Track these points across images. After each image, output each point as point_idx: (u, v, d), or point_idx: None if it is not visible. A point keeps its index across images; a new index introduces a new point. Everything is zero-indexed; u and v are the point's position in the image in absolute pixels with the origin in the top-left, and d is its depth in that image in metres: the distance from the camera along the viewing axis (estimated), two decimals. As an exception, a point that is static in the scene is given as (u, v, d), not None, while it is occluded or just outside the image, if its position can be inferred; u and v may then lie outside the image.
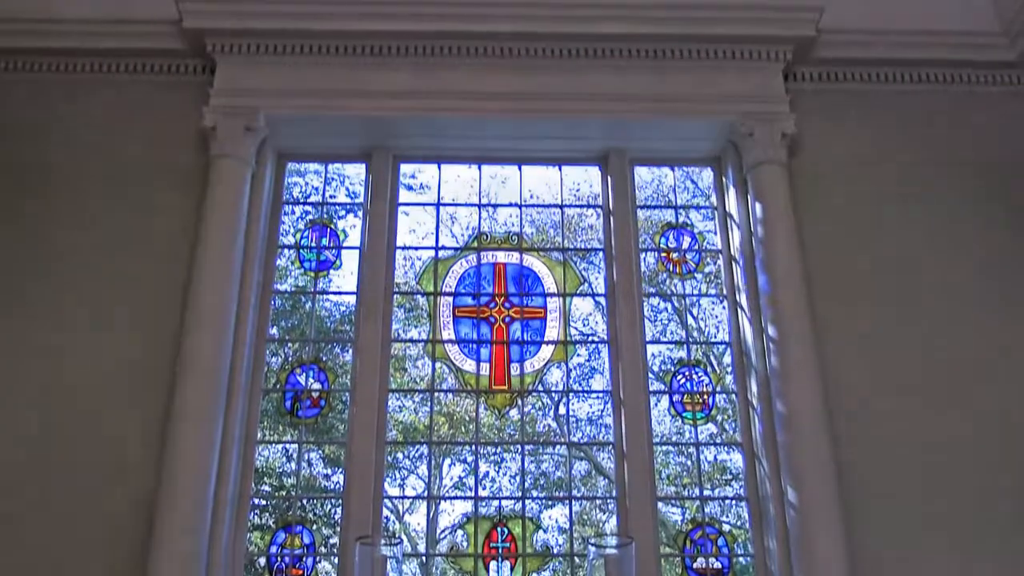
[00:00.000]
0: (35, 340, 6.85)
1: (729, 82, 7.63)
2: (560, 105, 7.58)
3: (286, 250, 7.73)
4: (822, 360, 6.77)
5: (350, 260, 7.61)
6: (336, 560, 6.80)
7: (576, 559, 7.15)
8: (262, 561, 6.86)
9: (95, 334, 6.86)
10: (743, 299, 7.28)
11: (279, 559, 6.69)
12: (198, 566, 6.08)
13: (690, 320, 8.19)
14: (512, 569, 6.75)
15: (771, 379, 6.81)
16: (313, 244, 7.66)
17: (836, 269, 7.22)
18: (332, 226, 7.76)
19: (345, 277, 7.71)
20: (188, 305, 6.77)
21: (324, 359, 7.33)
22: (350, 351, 7.28)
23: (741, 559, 6.96)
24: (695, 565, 6.75)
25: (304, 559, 6.70)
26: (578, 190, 8.75)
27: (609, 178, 7.77)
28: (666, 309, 9.14)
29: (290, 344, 7.81)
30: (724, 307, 7.58)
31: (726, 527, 7.01)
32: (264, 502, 8.09)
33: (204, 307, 6.72)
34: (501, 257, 7.69)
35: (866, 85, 7.87)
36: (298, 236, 7.73)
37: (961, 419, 6.81)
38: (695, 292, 7.97)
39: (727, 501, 7.78)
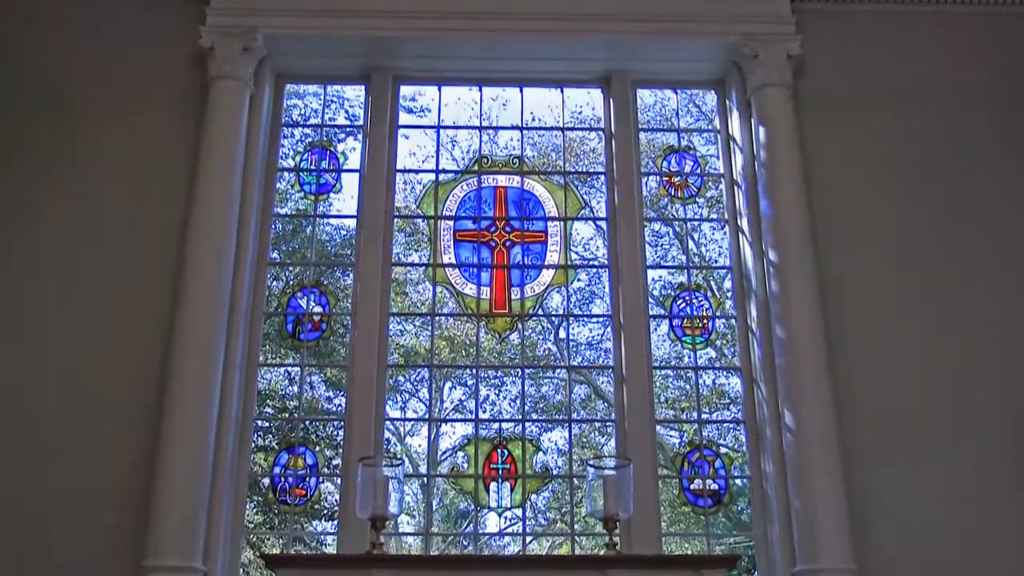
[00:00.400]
0: (35, 266, 6.87)
1: (734, 2, 7.50)
2: (562, 25, 7.46)
3: (286, 173, 7.69)
4: (822, 285, 6.79)
5: (350, 183, 7.59)
6: (339, 481, 6.91)
7: (575, 480, 7.26)
8: (266, 482, 6.97)
9: (94, 260, 6.88)
10: (744, 224, 7.27)
11: (282, 479, 6.80)
12: (202, 488, 6.19)
13: (691, 245, 8.19)
14: (512, 490, 6.87)
15: (771, 304, 6.83)
16: (313, 167, 7.62)
17: (839, 194, 7.19)
18: (332, 149, 7.71)
19: (345, 201, 7.69)
20: (188, 229, 6.76)
21: (325, 283, 7.35)
22: (351, 275, 7.30)
23: (738, 481, 7.07)
24: (692, 487, 6.87)
25: (307, 480, 6.82)
26: (580, 113, 8.67)
27: (611, 100, 7.69)
28: (667, 234, 9.14)
29: (291, 268, 7.83)
30: (725, 232, 7.57)
31: (723, 450, 7.11)
32: (267, 424, 8.19)
33: (204, 231, 6.71)
34: (502, 181, 7.65)
35: (875, 5, 7.72)
36: (298, 159, 7.69)
37: (961, 342, 6.86)
38: (696, 216, 7.96)
39: (725, 424, 7.88)
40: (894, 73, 7.54)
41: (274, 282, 7.49)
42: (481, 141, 7.92)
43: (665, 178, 7.69)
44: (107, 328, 6.69)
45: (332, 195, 7.64)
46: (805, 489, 6.26)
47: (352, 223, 7.53)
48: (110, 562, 6.01)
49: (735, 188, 7.45)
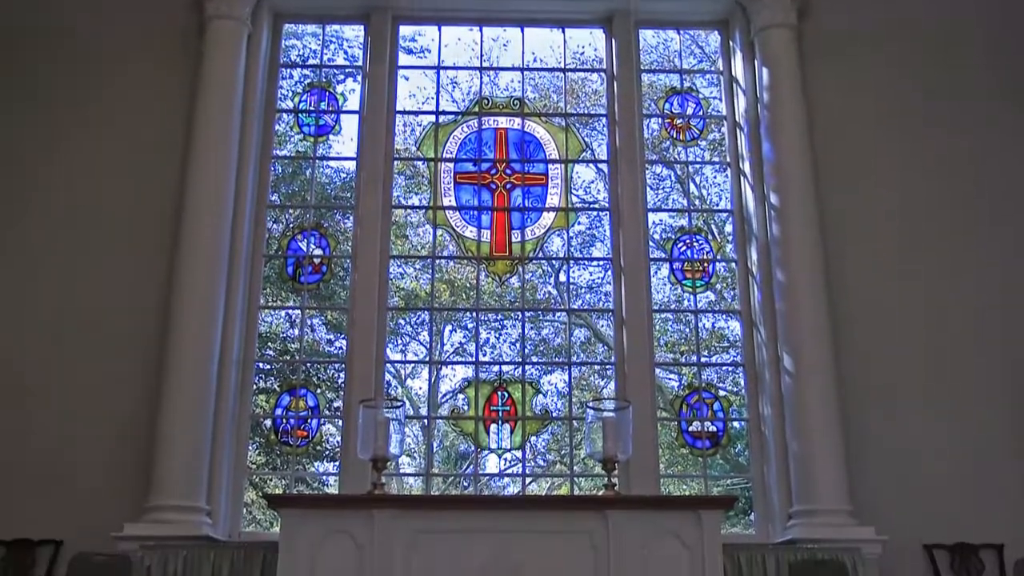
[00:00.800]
0: (36, 211, 6.86)
1: (739, -59, 7.38)
2: (564, -36, 7.36)
3: (284, 115, 7.63)
4: (824, 228, 6.78)
5: (349, 125, 7.54)
6: (340, 423, 6.97)
7: (575, 423, 7.32)
8: (268, 423, 7.03)
9: (94, 203, 6.86)
10: (746, 167, 7.23)
11: (284, 421, 6.86)
12: (205, 429, 6.24)
13: (692, 188, 8.15)
14: (512, 432, 6.92)
15: (771, 247, 6.83)
16: (312, 108, 7.56)
17: (841, 137, 7.15)
18: (331, 90, 7.64)
19: (345, 143, 7.64)
20: (186, 171, 6.73)
21: (325, 225, 7.34)
22: (351, 218, 7.28)
23: (736, 424, 7.13)
24: (690, 429, 6.92)
25: (309, 421, 6.87)
26: (582, 53, 8.58)
27: (613, 41, 7.59)
28: (668, 176, 9.08)
29: (291, 210, 7.80)
30: (727, 175, 7.54)
31: (722, 393, 7.16)
32: (268, 366, 8.23)
33: (203, 173, 6.68)
34: (503, 122, 7.59)
35: (881, -56, 7.61)
36: (296, 100, 7.62)
37: (962, 284, 6.86)
38: (698, 159, 7.92)
39: (724, 368, 7.91)
40: (898, 15, 7.44)
41: (274, 224, 7.48)
42: (482, 82, 7.85)
43: (667, 120, 7.63)
44: (107, 271, 6.70)
45: (331, 137, 7.59)
46: (803, 431, 6.32)
47: (352, 165, 7.50)
48: (116, 501, 6.09)
49: (737, 130, 7.40)
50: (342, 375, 7.17)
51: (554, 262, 8.15)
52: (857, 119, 7.22)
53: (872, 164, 7.12)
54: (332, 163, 8.31)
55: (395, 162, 7.47)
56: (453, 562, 4.98)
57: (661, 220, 7.72)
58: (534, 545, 4.99)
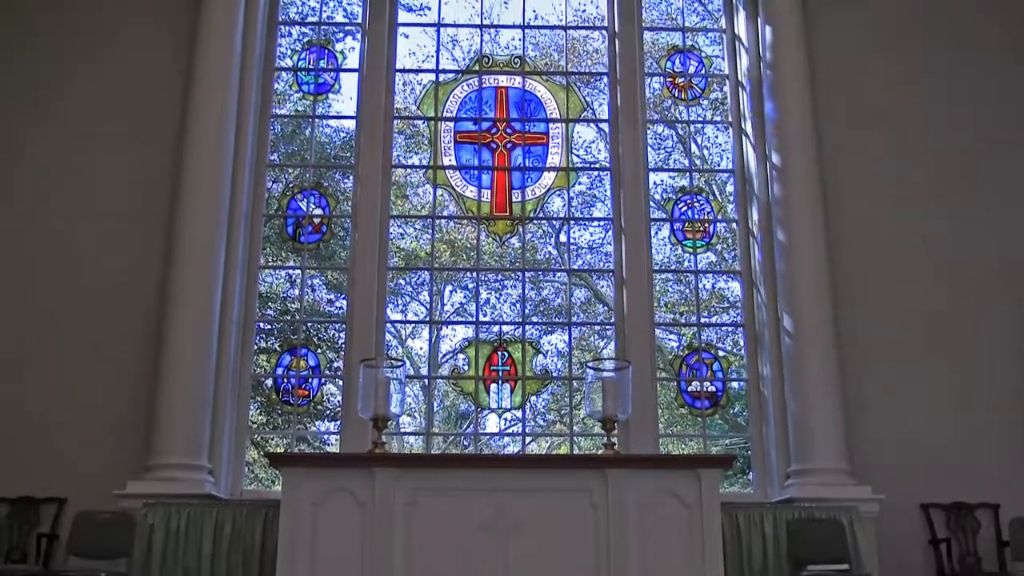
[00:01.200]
0: (38, 167, 6.84)
1: None
2: (565, -80, 7.26)
3: (284, 73, 7.58)
4: (825, 188, 6.76)
5: (349, 84, 7.49)
6: (341, 382, 7.00)
7: (574, 383, 7.35)
8: (268, 383, 7.05)
9: (93, 164, 6.84)
10: (748, 126, 7.20)
11: (285, 380, 6.88)
12: (206, 388, 6.27)
13: (693, 148, 8.11)
14: (512, 391, 6.96)
15: (773, 207, 6.81)
16: (311, 66, 7.51)
17: (845, 96, 7.11)
18: (330, 48, 7.58)
19: (344, 102, 7.60)
20: (185, 130, 6.69)
21: (325, 185, 7.31)
22: (351, 177, 7.26)
23: (735, 384, 7.15)
24: (690, 389, 6.95)
25: (310, 380, 6.90)
26: (583, 11, 8.50)
27: (615, -1, 7.53)
28: (670, 136, 9.03)
29: (290, 170, 7.77)
30: (729, 135, 7.50)
31: (722, 353, 7.18)
32: (269, 326, 8.24)
33: (201, 132, 6.64)
34: (503, 81, 7.54)
35: (887, -100, 7.51)
36: (295, 58, 7.56)
37: (961, 246, 6.87)
38: (700, 119, 7.88)
39: (724, 328, 7.92)
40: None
41: (274, 184, 7.45)
42: (482, 40, 7.78)
43: (669, 79, 7.58)
44: (107, 233, 6.69)
45: (331, 96, 7.54)
46: (802, 391, 6.35)
47: (351, 124, 7.46)
48: (118, 460, 6.13)
49: (739, 89, 7.36)
50: (342, 335, 7.19)
51: (554, 222, 8.14)
52: (860, 77, 7.18)
53: (875, 123, 7.09)
54: (332, 122, 8.27)
55: (395, 121, 7.44)
56: (453, 520, 5.02)
57: (662, 180, 7.70)
58: (534, 503, 5.04)
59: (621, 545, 4.96)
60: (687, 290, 8.00)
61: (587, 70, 8.64)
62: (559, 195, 7.55)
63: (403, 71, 7.68)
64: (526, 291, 7.61)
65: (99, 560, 5.64)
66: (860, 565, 5.76)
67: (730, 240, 7.51)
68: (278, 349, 7.15)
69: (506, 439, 7.82)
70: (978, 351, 6.65)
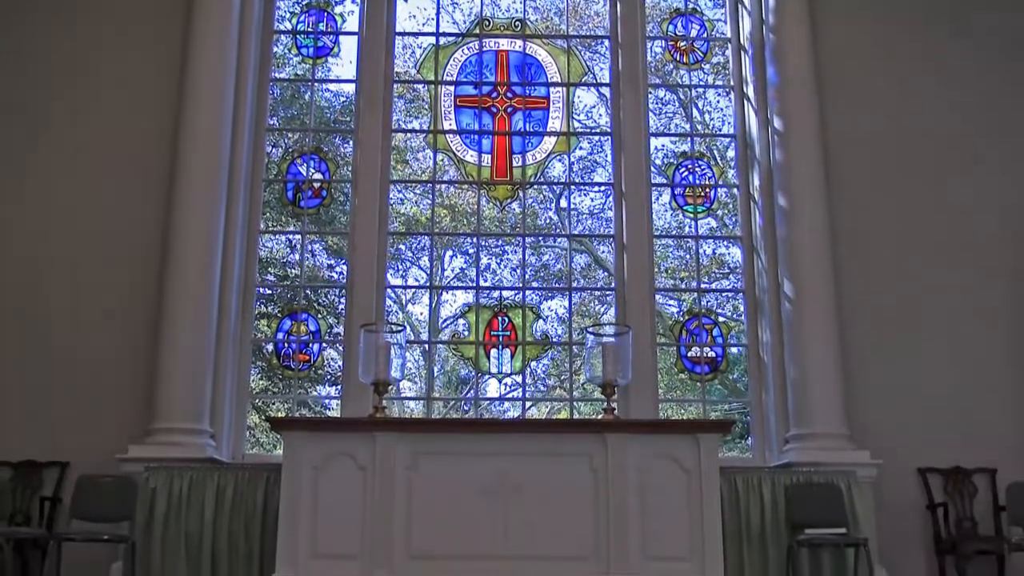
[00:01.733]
0: (39, 137, 6.82)
1: None
2: None
3: (282, 36, 7.52)
4: (827, 154, 6.73)
5: (348, 47, 7.43)
6: (341, 347, 7.02)
7: (574, 348, 7.37)
8: (269, 347, 7.07)
9: (92, 129, 6.81)
10: (750, 90, 7.15)
11: (286, 345, 6.90)
12: (206, 352, 6.28)
13: (695, 112, 8.07)
14: (512, 356, 6.97)
15: (774, 173, 6.79)
16: (310, 29, 7.45)
17: (848, 59, 7.06)
18: (329, 10, 7.52)
19: (343, 66, 7.55)
20: (184, 94, 6.66)
21: (325, 149, 7.29)
22: (350, 142, 7.23)
23: (734, 349, 7.17)
24: (690, 354, 6.97)
25: (310, 345, 6.92)
26: (584, -26, 8.43)
27: (617, -39, 7.46)
28: (671, 101, 8.98)
29: (290, 134, 7.74)
30: (730, 100, 7.46)
31: (722, 318, 7.19)
32: (269, 291, 8.24)
33: (200, 95, 6.60)
34: (504, 44, 7.49)
35: None
36: (294, 21, 7.51)
37: (962, 209, 6.85)
38: (701, 83, 7.83)
39: (724, 294, 7.93)
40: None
41: (273, 148, 7.42)
42: (482, 3, 7.71)
43: (670, 42, 7.52)
44: (107, 198, 6.68)
45: (330, 59, 7.49)
46: (801, 357, 6.36)
47: (351, 88, 7.42)
48: (120, 424, 6.16)
49: (742, 53, 7.30)
50: (343, 300, 7.19)
51: (555, 187, 8.12)
52: (864, 42, 7.12)
53: (878, 88, 7.05)
54: (331, 86, 8.23)
55: (395, 85, 7.39)
56: (454, 483, 5.05)
57: (663, 145, 7.67)
58: (534, 467, 5.06)
59: (620, 509, 4.99)
60: (687, 255, 8.01)
61: (588, 33, 8.57)
62: (560, 160, 7.53)
63: (403, 34, 7.62)
64: (526, 256, 7.60)
65: (102, 523, 5.69)
66: (857, 529, 5.81)
67: (731, 205, 7.49)
68: (278, 314, 7.16)
69: (506, 404, 7.85)
70: (978, 317, 6.66)
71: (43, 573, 5.51)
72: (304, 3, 7.55)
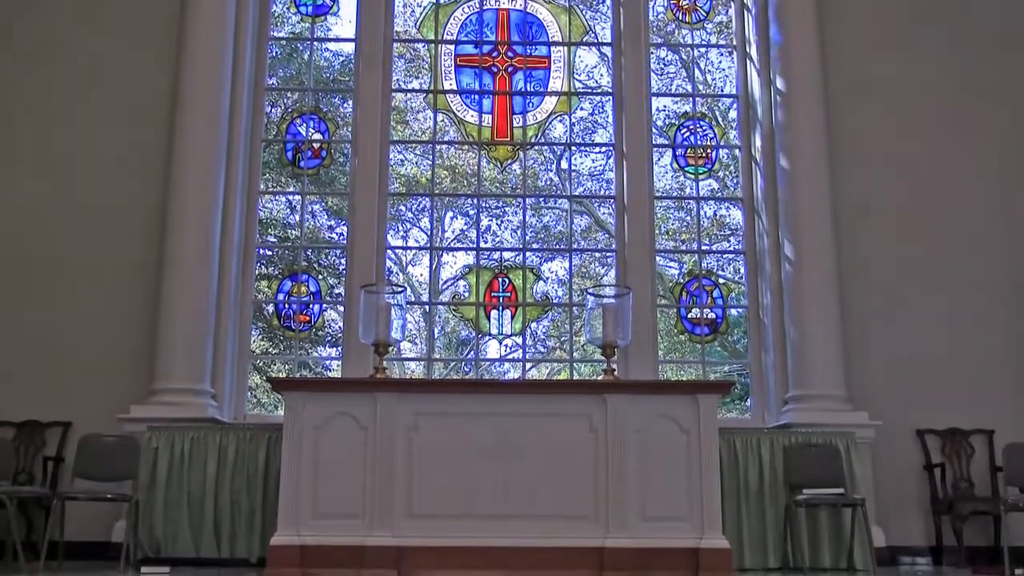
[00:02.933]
0: (36, 102, 6.79)
1: None
2: None
3: (281, -6, 7.46)
4: (829, 115, 6.70)
5: (348, 5, 7.35)
6: (342, 309, 7.02)
7: (575, 309, 7.38)
8: (270, 308, 7.08)
9: (90, 90, 6.78)
10: (753, 50, 7.10)
11: (286, 306, 6.91)
12: (207, 314, 6.30)
13: (697, 73, 8.01)
14: (512, 318, 6.98)
15: (776, 134, 6.76)
16: (309, -12, 7.39)
17: (852, 20, 7.00)
18: (328, -32, 7.45)
19: (343, 24, 7.48)
20: (181, 51, 6.61)
21: (324, 109, 7.24)
22: (350, 102, 7.18)
23: (735, 311, 7.18)
24: (690, 316, 6.98)
25: (311, 306, 6.93)
26: (586, -69, 8.32)
27: (619, -82, 7.36)
28: (673, 61, 8.91)
29: (289, 94, 7.69)
30: (732, 60, 7.40)
31: (722, 280, 7.19)
32: (269, 252, 8.23)
33: (199, 54, 6.56)
34: (504, 3, 7.41)
35: None
36: (293, -21, 7.45)
37: (964, 178, 6.84)
38: (704, 43, 7.77)
39: (724, 255, 7.92)
40: None
41: (272, 108, 7.38)
42: (483, -39, 7.64)
43: (673, 1, 7.45)
44: (106, 161, 6.67)
45: (329, 18, 7.43)
46: (801, 318, 6.38)
47: (350, 48, 7.36)
48: (122, 385, 6.19)
49: (745, 12, 7.24)
50: (343, 261, 7.19)
51: (556, 148, 8.08)
52: (866, 1, 7.07)
53: (882, 49, 7.00)
54: (330, 45, 8.16)
55: (395, 44, 7.34)
56: (454, 443, 5.08)
57: (664, 106, 7.63)
58: (534, 428, 5.09)
59: (620, 469, 5.02)
60: (688, 217, 7.99)
61: (590, -8, 8.49)
62: (560, 120, 7.49)
63: (402, -8, 7.56)
64: (527, 217, 7.58)
65: (104, 482, 5.73)
66: (855, 489, 5.85)
67: (732, 167, 7.46)
68: (279, 275, 7.16)
69: (506, 365, 7.87)
70: (977, 279, 6.67)
71: (47, 531, 5.57)
72: (303, -39, 7.48)
